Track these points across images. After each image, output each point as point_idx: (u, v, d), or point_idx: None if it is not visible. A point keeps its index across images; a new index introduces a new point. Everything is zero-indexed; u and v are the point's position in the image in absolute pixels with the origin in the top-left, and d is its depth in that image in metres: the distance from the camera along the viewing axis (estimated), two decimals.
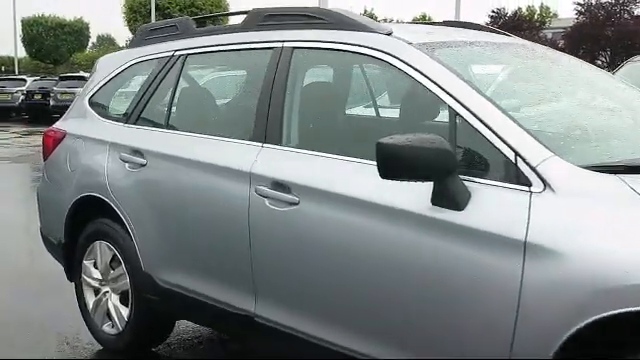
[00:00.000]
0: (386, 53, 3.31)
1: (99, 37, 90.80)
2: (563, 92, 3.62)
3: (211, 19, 5.73)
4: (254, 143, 3.66)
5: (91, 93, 4.97)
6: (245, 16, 4.13)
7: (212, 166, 3.80)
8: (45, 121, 26.21)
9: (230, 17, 29.51)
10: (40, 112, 28.82)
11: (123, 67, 4.84)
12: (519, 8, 42.76)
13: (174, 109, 4.39)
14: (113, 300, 4.54)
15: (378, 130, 4.03)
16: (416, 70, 3.15)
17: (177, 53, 4.40)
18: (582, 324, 2.42)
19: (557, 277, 2.50)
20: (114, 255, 4.46)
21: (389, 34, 3.41)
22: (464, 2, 31.60)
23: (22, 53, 59.21)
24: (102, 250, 4.55)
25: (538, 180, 2.66)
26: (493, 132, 2.81)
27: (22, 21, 57.74)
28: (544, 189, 2.64)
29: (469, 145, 2.91)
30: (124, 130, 4.49)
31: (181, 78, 4.41)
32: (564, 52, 4.28)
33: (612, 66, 28.01)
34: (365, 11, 59.91)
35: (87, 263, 4.68)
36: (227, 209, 3.69)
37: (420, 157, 2.72)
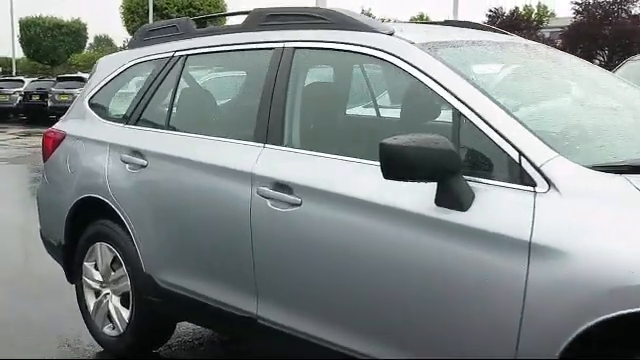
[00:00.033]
0: (388, 53, 3.29)
1: (96, 38, 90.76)
2: (566, 92, 3.61)
3: (210, 19, 5.68)
4: (255, 144, 3.65)
5: (91, 94, 4.94)
6: (246, 16, 4.11)
7: (213, 167, 3.79)
8: (43, 122, 26.25)
9: (228, 17, 29.59)
10: (38, 113, 28.82)
11: (123, 68, 4.82)
12: (516, 8, 42.78)
13: (175, 110, 4.37)
14: (114, 302, 4.52)
15: (381, 130, 4.03)
16: (419, 70, 3.14)
17: (177, 54, 4.38)
18: (588, 325, 2.41)
19: (562, 277, 2.49)
20: (115, 257, 4.45)
21: (391, 34, 3.40)
22: (462, 2, 31.61)
23: (20, 54, 59.22)
24: (103, 252, 4.54)
25: (543, 180, 2.65)
26: (497, 132, 2.79)
27: (20, 22, 57.70)
28: (549, 189, 2.63)
29: (473, 145, 2.90)
30: (124, 131, 4.48)
31: (182, 79, 4.39)
32: (563, 51, 4.26)
33: (609, 65, 28.00)
34: (362, 11, 59.83)
35: (88, 265, 4.67)
36: (228, 210, 3.67)
37: (424, 157, 2.71)
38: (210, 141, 3.94)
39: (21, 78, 33.69)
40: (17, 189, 12.68)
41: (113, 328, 4.54)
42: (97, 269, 4.62)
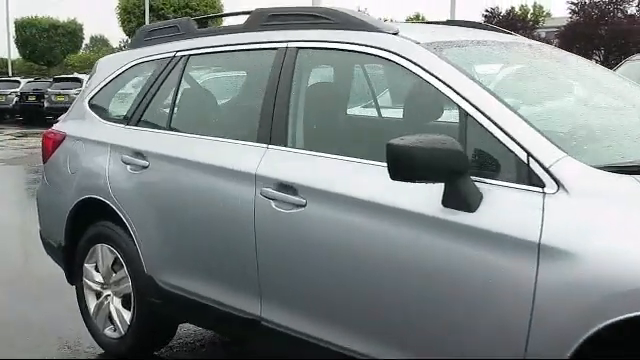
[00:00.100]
0: (393, 53, 3.27)
1: (92, 38, 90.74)
2: (572, 92, 3.59)
3: (209, 20, 5.65)
4: (259, 144, 3.62)
5: (91, 95, 4.91)
6: (248, 16, 4.09)
7: (216, 168, 3.76)
8: (39, 123, 26.32)
9: (225, 18, 29.53)
10: (34, 114, 28.80)
11: (123, 68, 4.79)
12: (512, 8, 42.81)
13: (176, 110, 4.34)
14: (115, 303, 4.49)
15: (387, 131, 4.00)
16: (425, 70, 3.11)
17: (179, 54, 4.36)
18: (598, 327, 2.39)
19: (572, 279, 2.47)
20: (116, 258, 4.42)
21: (396, 34, 3.38)
22: (458, 2, 31.61)
23: (15, 55, 59.09)
24: (104, 253, 4.51)
25: (551, 181, 2.63)
26: (505, 132, 2.77)
27: (15, 22, 57.56)
28: (557, 190, 2.61)
29: (480, 146, 2.88)
30: (125, 132, 4.45)
31: (183, 79, 4.37)
32: None
33: (605, 65, 28.00)
34: (358, 10, 59.81)
35: (88, 266, 4.64)
36: (232, 211, 3.65)
37: (431, 158, 2.68)
38: (212, 142, 3.91)
39: (17, 79, 33.62)
40: (15, 190, 12.66)
41: (114, 330, 4.51)
42: (98, 270, 4.60)
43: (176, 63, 4.36)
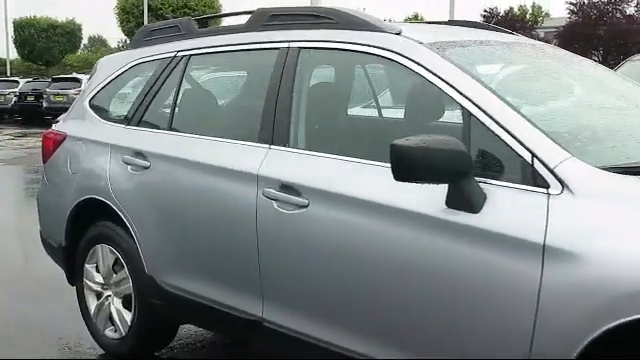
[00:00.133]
0: (396, 53, 3.26)
1: (90, 38, 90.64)
2: (576, 92, 3.58)
3: (206, 20, 5.62)
4: (261, 145, 3.61)
5: (91, 95, 4.90)
6: (249, 16, 4.07)
7: (218, 168, 3.75)
8: (38, 123, 26.30)
9: (224, 18, 29.50)
10: (33, 114, 28.77)
11: (124, 68, 4.77)
12: (511, 8, 42.83)
13: (177, 110, 4.33)
14: (116, 304, 4.48)
15: (390, 131, 3.98)
16: (428, 70, 3.10)
17: (180, 54, 4.34)
18: (604, 329, 2.38)
19: (577, 281, 2.46)
20: (117, 259, 4.41)
21: (398, 34, 3.36)
22: (457, 1, 31.63)
23: (14, 55, 59.04)
24: (104, 253, 4.49)
25: (556, 182, 2.62)
26: (509, 133, 2.76)
27: (14, 22, 57.48)
28: (562, 191, 2.60)
29: (484, 146, 2.86)
30: (126, 132, 4.44)
31: (184, 79, 4.35)
32: None
33: (605, 65, 28.02)
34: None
35: (89, 267, 4.63)
36: (233, 212, 3.64)
37: (435, 159, 2.67)
38: (214, 142, 3.90)
39: (16, 79, 33.58)
40: (14, 190, 12.64)
41: (115, 331, 4.50)
42: (98, 271, 4.58)
43: (177, 63, 4.34)
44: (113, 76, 4.82)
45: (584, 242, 2.48)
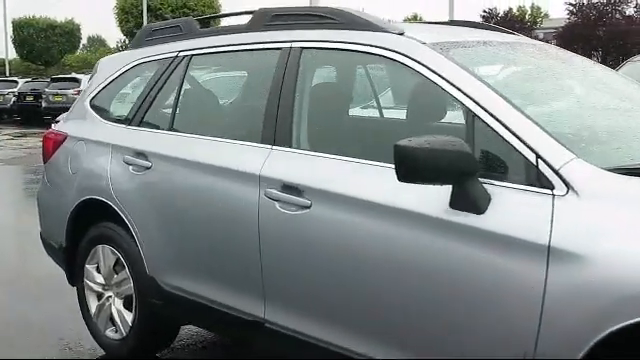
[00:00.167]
0: (399, 53, 3.25)
1: (89, 38, 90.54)
2: (580, 93, 3.57)
3: (208, 20, 5.61)
4: (263, 145, 3.60)
5: (92, 95, 4.88)
6: (251, 16, 4.06)
7: (220, 169, 3.73)
8: (37, 123, 26.30)
9: (224, 18, 29.50)
10: (32, 114, 28.79)
11: (125, 68, 4.76)
12: (510, 9, 42.84)
13: (179, 111, 4.31)
14: (116, 305, 4.46)
15: (395, 132, 3.96)
16: (431, 70, 3.09)
17: (181, 54, 4.33)
18: (609, 330, 2.36)
19: (582, 282, 2.45)
20: (117, 259, 4.39)
21: (401, 34, 3.35)
22: (456, 2, 31.65)
23: (13, 55, 59.04)
24: (105, 254, 4.48)
25: (561, 183, 2.60)
26: (513, 134, 2.75)
27: (13, 22, 57.50)
28: (567, 192, 2.58)
29: (488, 147, 2.85)
30: (127, 132, 4.42)
31: (185, 79, 4.34)
32: None
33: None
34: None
35: (90, 267, 4.61)
36: (235, 212, 3.62)
37: (439, 160, 2.66)
38: (216, 142, 3.89)
39: (15, 79, 33.61)
40: (13, 190, 12.64)
41: (116, 331, 4.49)
42: (99, 272, 4.57)
43: (178, 63, 4.33)
44: (114, 76, 4.81)
45: (589, 243, 2.46)
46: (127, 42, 49.11)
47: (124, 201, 4.23)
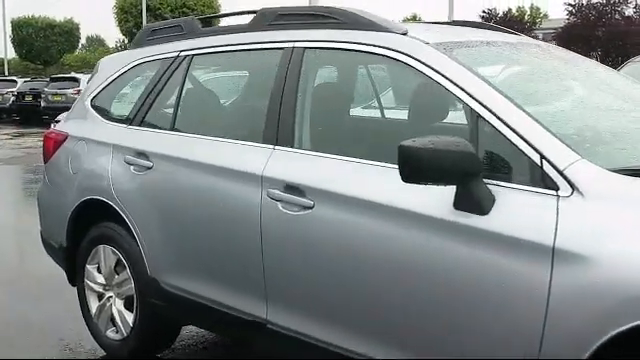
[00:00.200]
0: (403, 53, 3.23)
1: (88, 38, 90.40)
2: (584, 93, 3.56)
3: (209, 19, 5.60)
4: (265, 145, 3.58)
5: (93, 94, 4.87)
6: (253, 16, 4.05)
7: (221, 169, 3.72)
8: (36, 123, 26.29)
9: (223, 18, 29.50)
10: (31, 113, 28.75)
11: (126, 68, 4.75)
12: (509, 9, 42.80)
13: (180, 111, 4.30)
14: (117, 305, 4.45)
15: (399, 132, 3.95)
16: (435, 71, 3.08)
17: (183, 53, 4.32)
18: (614, 332, 2.35)
19: (587, 283, 2.43)
20: (118, 259, 4.38)
21: (405, 34, 3.34)
22: (456, 2, 31.66)
23: (12, 54, 59.00)
24: (106, 254, 4.46)
25: (565, 184, 2.59)
26: (518, 134, 2.74)
27: (12, 22, 57.46)
28: (572, 193, 2.57)
29: (492, 148, 2.84)
30: (128, 132, 4.41)
31: (187, 79, 4.32)
32: None
33: None
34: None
35: (90, 268, 4.60)
36: (237, 213, 3.61)
37: (443, 160, 2.65)
38: (218, 142, 3.87)
39: (14, 78, 33.58)
40: (13, 190, 12.63)
41: (116, 332, 4.47)
42: (100, 272, 4.56)
43: (180, 63, 4.32)
44: (115, 76, 4.80)
45: (594, 244, 2.45)
46: (126, 42, 49.12)
47: (125, 201, 4.21)
